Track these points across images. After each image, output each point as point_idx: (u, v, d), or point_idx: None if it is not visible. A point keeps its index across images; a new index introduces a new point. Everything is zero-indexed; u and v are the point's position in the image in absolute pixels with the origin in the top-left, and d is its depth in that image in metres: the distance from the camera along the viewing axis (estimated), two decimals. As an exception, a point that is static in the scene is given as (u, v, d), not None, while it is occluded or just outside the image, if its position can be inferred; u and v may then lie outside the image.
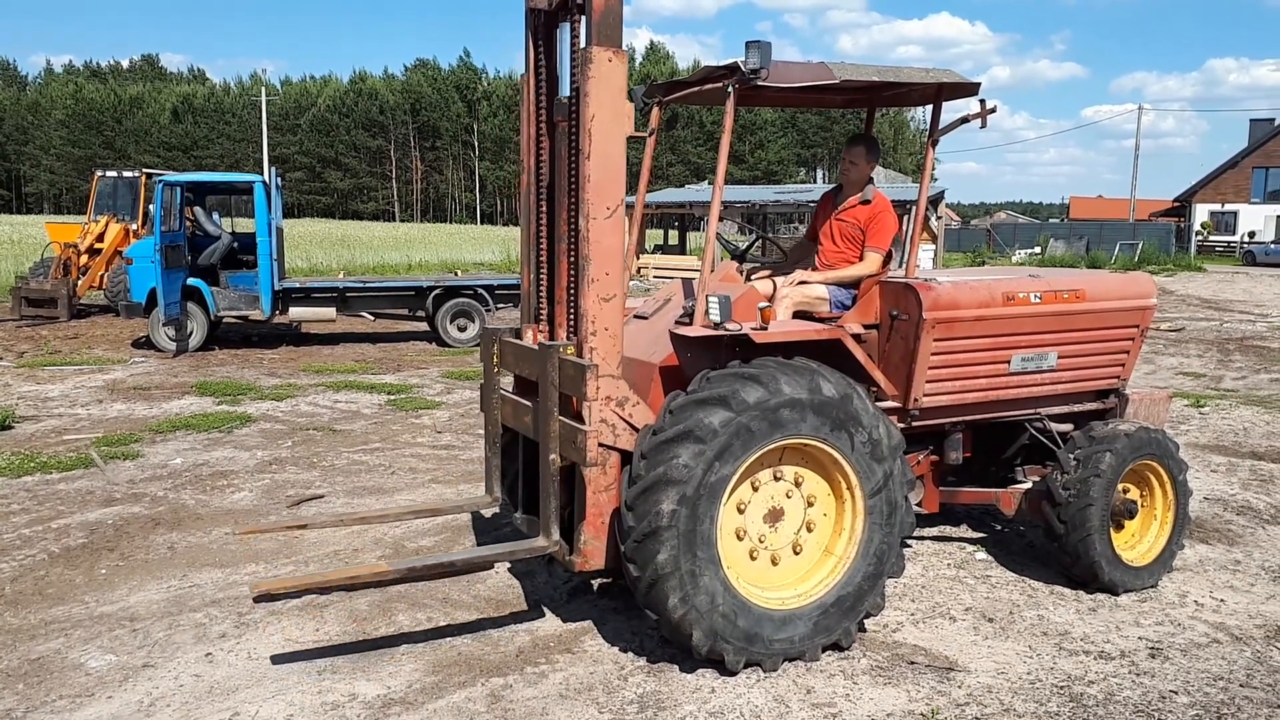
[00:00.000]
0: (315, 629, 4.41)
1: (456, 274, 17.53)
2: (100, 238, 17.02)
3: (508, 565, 5.15)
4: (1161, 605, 4.83)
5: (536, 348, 4.30)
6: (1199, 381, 11.74)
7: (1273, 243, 44.48)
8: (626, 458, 4.02)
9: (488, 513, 6.00)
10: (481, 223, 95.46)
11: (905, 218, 16.90)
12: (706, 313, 4.18)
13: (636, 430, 4.04)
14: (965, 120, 4.71)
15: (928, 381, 4.69)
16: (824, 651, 4.14)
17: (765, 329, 4.19)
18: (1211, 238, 50.49)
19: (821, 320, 4.78)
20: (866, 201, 5.00)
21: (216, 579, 5.00)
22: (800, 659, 4.07)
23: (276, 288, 13.30)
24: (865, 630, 4.36)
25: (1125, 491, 4.98)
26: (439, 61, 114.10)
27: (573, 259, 4.19)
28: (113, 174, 18.57)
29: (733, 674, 3.96)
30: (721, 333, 4.13)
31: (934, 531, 5.87)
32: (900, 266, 5.10)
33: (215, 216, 14.91)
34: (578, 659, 4.15)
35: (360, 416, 9.17)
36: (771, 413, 3.86)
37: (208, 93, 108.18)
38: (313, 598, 4.71)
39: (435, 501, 5.53)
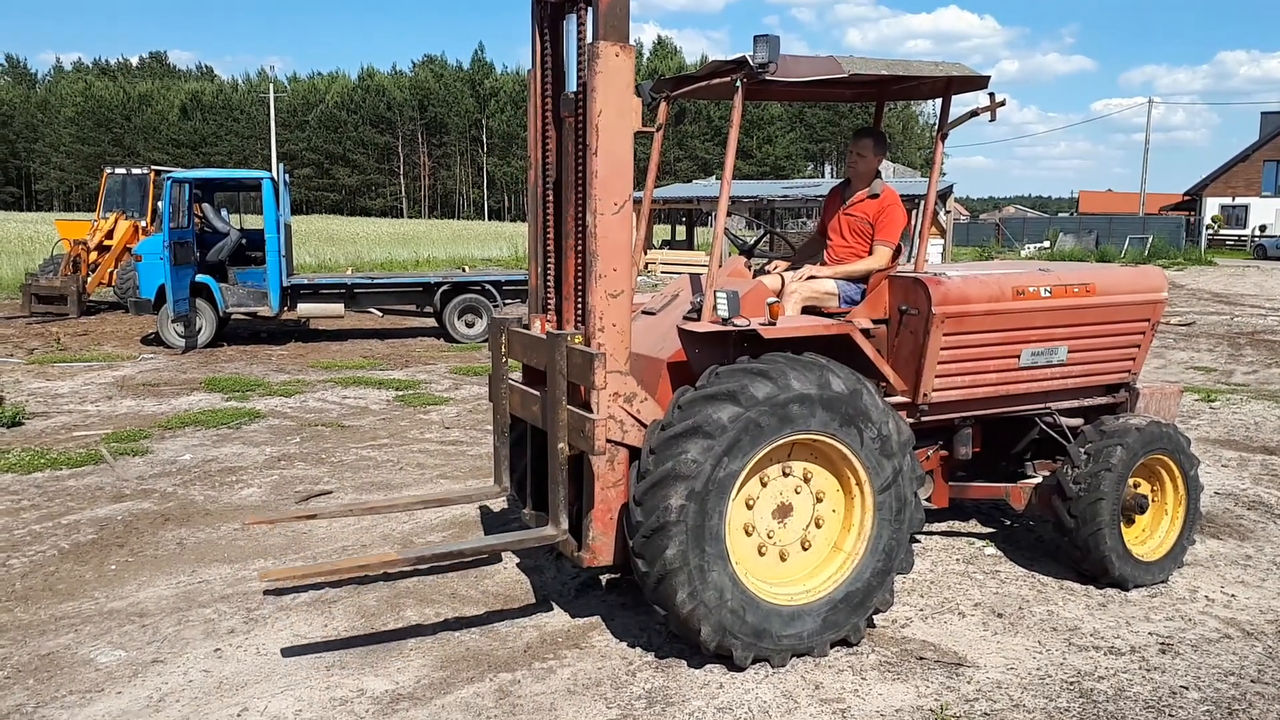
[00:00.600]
0: (324, 624, 4.42)
1: (464, 270, 17.57)
2: (109, 234, 17.05)
3: (516, 561, 5.16)
4: (1172, 600, 4.81)
5: (545, 337, 4.29)
6: (1210, 376, 11.67)
7: (1284, 237, 44.28)
8: (635, 453, 4.02)
9: (496, 507, 6.01)
10: (489, 219, 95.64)
11: (914, 212, 16.86)
12: (715, 308, 4.17)
13: (645, 426, 4.03)
14: (974, 114, 4.68)
15: (937, 376, 4.67)
16: (832, 647, 4.13)
17: (774, 324, 4.17)
18: (1222, 232, 50.23)
19: (830, 315, 4.76)
20: (875, 195, 4.97)
21: (225, 574, 5.01)
22: (809, 655, 4.06)
23: (285, 284, 13.33)
24: (874, 626, 4.35)
25: (1136, 486, 4.96)
26: (447, 58, 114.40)
27: (580, 254, 4.18)
28: (122, 171, 18.60)
29: (741, 669, 3.95)
30: (730, 328, 4.12)
31: (943, 526, 5.85)
32: (909, 261, 5.07)
33: (224, 213, 14.93)
34: (586, 654, 4.15)
35: (368, 412, 9.18)
36: (780, 408, 3.85)
37: (216, 90, 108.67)
38: (321, 593, 4.73)
39: (444, 492, 5.55)
